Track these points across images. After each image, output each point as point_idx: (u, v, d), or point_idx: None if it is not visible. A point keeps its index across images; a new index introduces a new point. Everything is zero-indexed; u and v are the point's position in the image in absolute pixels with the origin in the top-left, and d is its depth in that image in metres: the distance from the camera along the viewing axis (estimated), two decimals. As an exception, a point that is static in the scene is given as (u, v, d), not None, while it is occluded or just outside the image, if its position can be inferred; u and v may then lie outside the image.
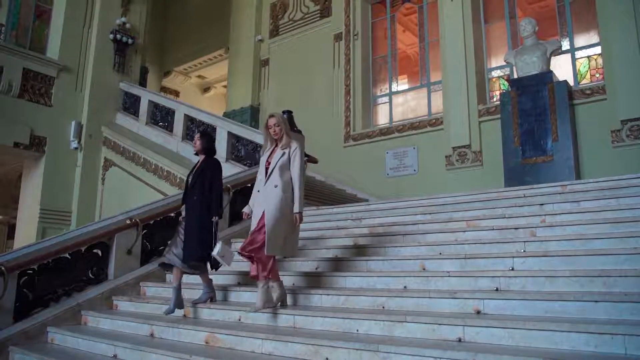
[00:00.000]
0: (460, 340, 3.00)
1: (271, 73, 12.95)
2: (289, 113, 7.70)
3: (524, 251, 3.96)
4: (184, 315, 4.53)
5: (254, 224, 4.05)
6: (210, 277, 4.72)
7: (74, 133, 10.26)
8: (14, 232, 11.03)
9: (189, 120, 9.36)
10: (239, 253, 4.08)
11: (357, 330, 3.43)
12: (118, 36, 10.98)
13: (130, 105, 10.78)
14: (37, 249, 5.04)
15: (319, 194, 8.71)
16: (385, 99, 11.10)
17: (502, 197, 5.58)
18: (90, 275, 5.40)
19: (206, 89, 17.90)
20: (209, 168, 4.80)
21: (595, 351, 2.59)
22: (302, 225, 6.46)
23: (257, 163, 7.68)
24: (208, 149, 4.95)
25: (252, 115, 12.67)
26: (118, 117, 10.82)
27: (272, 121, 4.20)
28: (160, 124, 9.98)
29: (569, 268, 3.48)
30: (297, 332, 3.58)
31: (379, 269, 4.44)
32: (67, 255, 5.21)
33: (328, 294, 4.02)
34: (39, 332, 4.77)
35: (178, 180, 8.54)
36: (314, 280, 4.51)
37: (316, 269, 4.83)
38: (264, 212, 3.97)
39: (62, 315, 4.97)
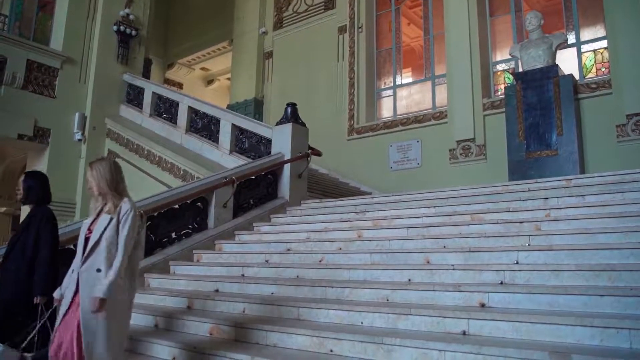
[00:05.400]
0: (464, 333, 3.00)
1: (275, 65, 12.93)
2: (292, 106, 7.70)
3: (529, 245, 3.95)
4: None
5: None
6: None
7: (77, 124, 10.24)
8: (18, 223, 11.06)
9: (193, 112, 9.34)
10: None
11: (362, 323, 3.43)
12: (121, 28, 10.93)
13: (134, 97, 10.76)
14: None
15: (323, 187, 8.73)
16: (390, 92, 11.07)
17: (507, 191, 5.57)
18: (95, 266, 5.39)
19: (210, 81, 17.87)
20: (34, 223, 3.44)
21: (600, 345, 2.59)
22: (306, 218, 6.60)
23: (260, 155, 7.71)
24: (36, 197, 3.60)
25: (255, 108, 12.68)
26: (122, 108, 10.80)
27: (87, 174, 3.05)
28: (164, 116, 9.96)
29: (574, 262, 3.48)
30: (301, 324, 3.58)
31: (383, 261, 4.44)
32: (71, 247, 5.21)
33: (332, 286, 4.02)
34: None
35: (182, 172, 8.54)
36: (318, 273, 4.51)
37: (320, 261, 4.83)
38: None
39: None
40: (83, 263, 2.86)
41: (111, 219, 2.89)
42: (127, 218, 2.91)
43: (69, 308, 2.85)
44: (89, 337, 2.73)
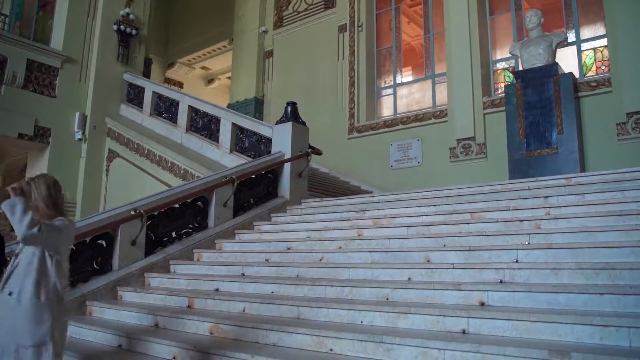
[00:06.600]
0: (464, 331, 3.00)
1: (275, 64, 12.93)
2: (292, 105, 7.70)
3: (529, 243, 3.95)
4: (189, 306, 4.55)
5: None
6: None
7: (78, 124, 10.26)
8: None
9: (193, 111, 9.34)
10: None
11: (362, 322, 3.43)
12: (122, 27, 10.94)
13: (134, 96, 10.77)
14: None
15: (323, 186, 8.73)
16: (390, 90, 11.07)
17: (507, 190, 5.56)
18: (95, 265, 5.40)
19: (210, 81, 17.89)
20: None
21: (599, 343, 2.59)
22: (306, 217, 6.61)
23: (261, 154, 7.74)
24: None
25: (256, 107, 12.69)
26: (122, 108, 10.80)
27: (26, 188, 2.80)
28: (165, 115, 9.96)
29: (574, 260, 3.48)
30: (301, 323, 3.58)
31: (384, 260, 4.44)
32: (72, 247, 5.22)
33: (332, 285, 4.02)
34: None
35: (182, 171, 8.55)
36: (318, 272, 4.51)
37: (320, 260, 4.83)
38: None
39: (67, 306, 4.97)
40: (3, 286, 2.68)
41: None
42: (54, 223, 2.73)
43: None
44: None
